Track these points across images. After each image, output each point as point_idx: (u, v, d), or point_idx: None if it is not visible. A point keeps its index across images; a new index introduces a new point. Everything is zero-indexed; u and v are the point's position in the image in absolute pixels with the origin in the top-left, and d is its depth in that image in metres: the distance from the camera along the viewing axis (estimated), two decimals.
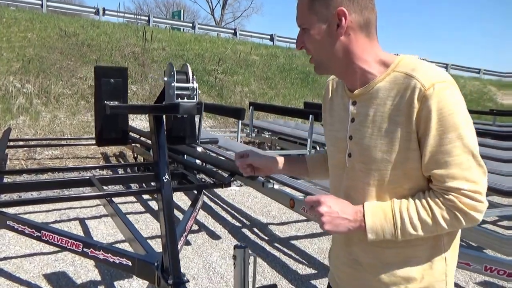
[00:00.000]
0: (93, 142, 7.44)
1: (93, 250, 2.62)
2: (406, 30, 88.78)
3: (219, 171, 4.34)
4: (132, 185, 5.76)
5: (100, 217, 4.75)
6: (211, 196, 5.80)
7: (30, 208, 4.71)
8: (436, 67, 1.07)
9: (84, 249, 2.64)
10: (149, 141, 6.08)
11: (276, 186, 3.90)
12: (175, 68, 2.01)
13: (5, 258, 3.67)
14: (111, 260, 2.57)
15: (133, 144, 6.54)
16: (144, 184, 5.48)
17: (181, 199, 5.54)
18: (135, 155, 6.79)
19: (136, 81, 10.67)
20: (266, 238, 4.45)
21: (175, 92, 1.95)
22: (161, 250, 2.58)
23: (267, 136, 7.73)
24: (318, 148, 6.06)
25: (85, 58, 10.80)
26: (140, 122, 9.25)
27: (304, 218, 5.00)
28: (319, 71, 1.19)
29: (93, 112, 9.21)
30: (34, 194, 4.99)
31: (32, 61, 9.95)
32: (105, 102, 2.26)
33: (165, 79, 2.02)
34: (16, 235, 4.07)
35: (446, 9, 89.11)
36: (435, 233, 1.07)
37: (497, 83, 22.83)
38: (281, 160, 1.49)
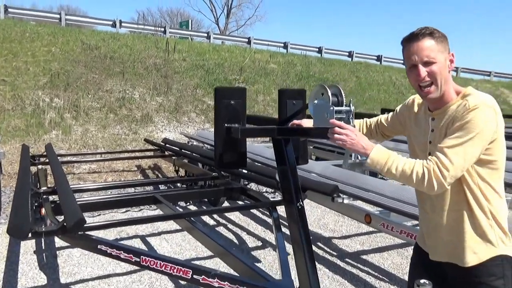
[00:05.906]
0: (127, 155, 7.45)
1: (205, 277, 2.41)
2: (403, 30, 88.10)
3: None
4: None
5: (159, 234, 4.68)
6: (258, 214, 5.68)
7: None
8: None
9: (194, 276, 2.46)
10: (189, 153, 6.01)
11: (346, 201, 3.62)
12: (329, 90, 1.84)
13: (81, 281, 3.59)
14: None
15: (173, 157, 6.47)
16: (206, 200, 5.40)
17: (233, 214, 5.44)
18: (177, 168, 6.72)
19: (160, 93, 10.64)
20: (334, 253, 4.31)
21: (335, 116, 1.78)
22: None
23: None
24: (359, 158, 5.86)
25: (109, 70, 10.79)
26: (169, 134, 9.21)
27: (366, 230, 4.89)
28: (434, 96, 1.61)
29: (122, 124, 9.18)
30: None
31: (58, 75, 9.94)
32: (226, 125, 2.18)
33: (315, 102, 1.89)
34: (83, 256, 4.02)
35: (451, 9, 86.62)
36: (406, 182, 1.54)
37: (509, 85, 22.80)
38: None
